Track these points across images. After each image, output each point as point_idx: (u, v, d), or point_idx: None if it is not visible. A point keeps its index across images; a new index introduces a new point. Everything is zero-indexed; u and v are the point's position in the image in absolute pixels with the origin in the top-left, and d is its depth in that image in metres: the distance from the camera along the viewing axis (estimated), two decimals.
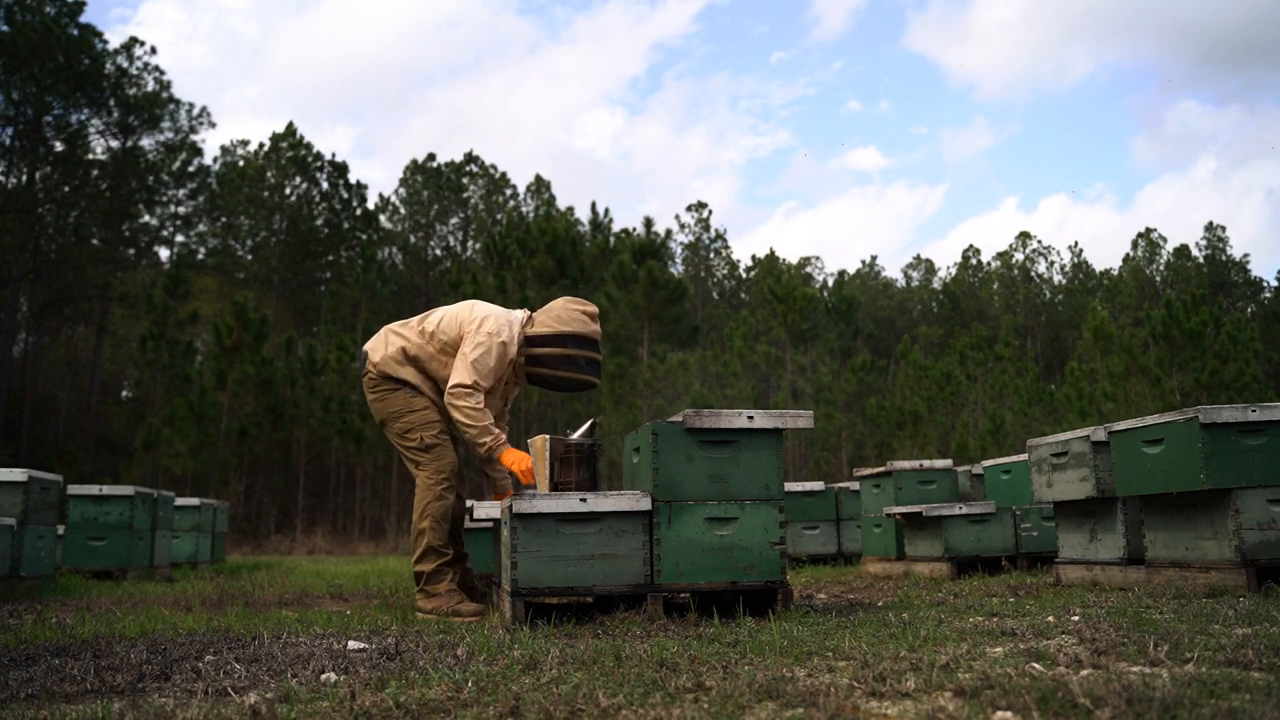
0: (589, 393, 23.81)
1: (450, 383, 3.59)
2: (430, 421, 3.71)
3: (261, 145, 35.70)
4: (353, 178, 44.43)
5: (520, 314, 3.81)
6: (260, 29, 76.40)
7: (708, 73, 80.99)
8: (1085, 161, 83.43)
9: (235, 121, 69.07)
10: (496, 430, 3.63)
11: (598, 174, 75.60)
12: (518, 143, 73.86)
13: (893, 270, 58.34)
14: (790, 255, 55.83)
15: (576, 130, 79.22)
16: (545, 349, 3.70)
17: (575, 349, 3.69)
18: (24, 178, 25.00)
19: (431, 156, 42.88)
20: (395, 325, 3.88)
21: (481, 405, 3.59)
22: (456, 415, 3.57)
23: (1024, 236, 51.91)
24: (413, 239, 41.81)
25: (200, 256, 35.19)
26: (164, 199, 30.35)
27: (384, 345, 3.82)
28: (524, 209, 42.01)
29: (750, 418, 3.17)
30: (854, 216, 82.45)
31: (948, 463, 5.76)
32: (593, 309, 3.81)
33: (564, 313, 3.74)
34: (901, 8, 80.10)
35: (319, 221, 35.08)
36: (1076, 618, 2.68)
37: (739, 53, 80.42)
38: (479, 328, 3.64)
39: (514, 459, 3.62)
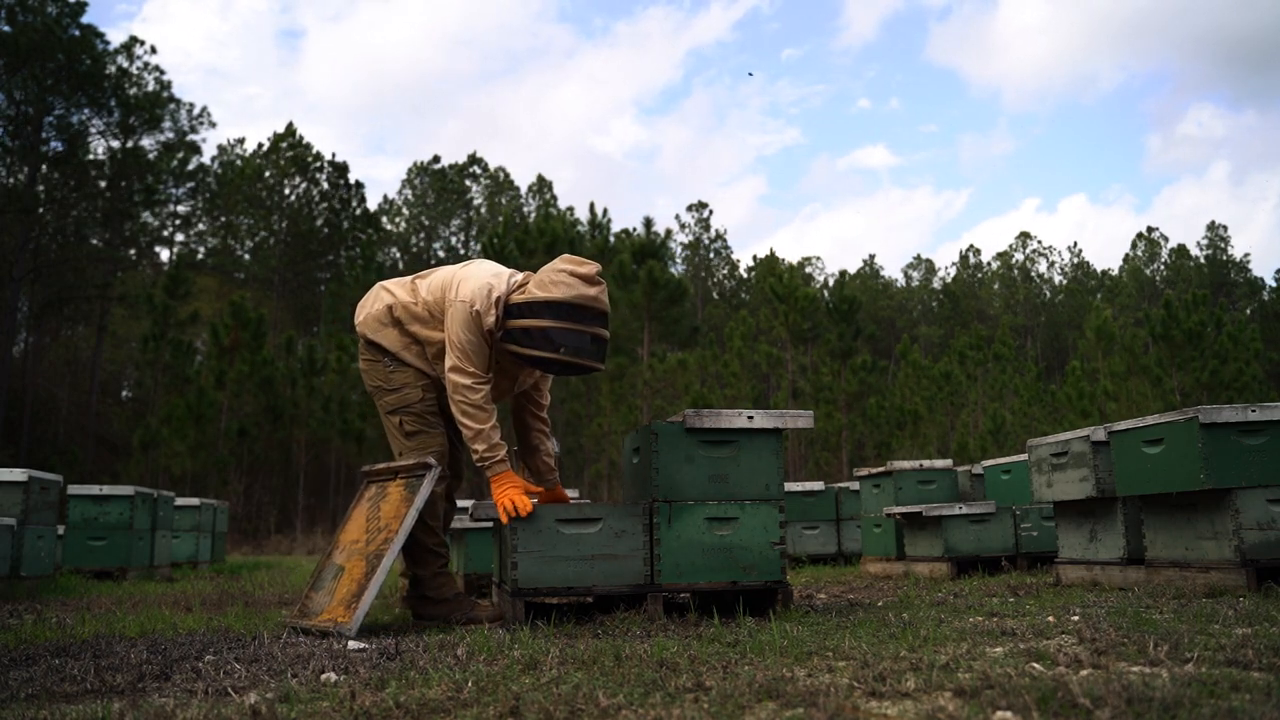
0: (583, 387, 23.80)
1: (445, 366, 3.10)
2: (410, 403, 3.23)
3: (260, 145, 35.75)
4: (354, 178, 44.46)
5: (517, 276, 3.17)
6: (294, 34, 76.89)
7: (739, 80, 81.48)
8: (1104, 165, 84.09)
9: (267, 125, 69.61)
10: (498, 440, 3.08)
11: (621, 178, 76.09)
12: (541, 147, 74.34)
13: (902, 271, 58.57)
14: (795, 257, 55.96)
15: (604, 135, 79.76)
16: (519, 321, 3.02)
17: (552, 321, 2.96)
18: (24, 178, 25.01)
19: (436, 159, 42.95)
20: (389, 281, 3.38)
21: (481, 400, 3.06)
22: (454, 411, 3.10)
23: (1024, 236, 51.93)
24: (415, 240, 41.85)
25: (200, 256, 35.24)
26: (164, 199, 30.35)
27: (371, 303, 3.34)
28: (525, 209, 42.05)
29: (750, 418, 3.17)
30: (875, 219, 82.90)
31: (948, 463, 5.76)
32: (590, 269, 3.03)
33: (547, 274, 3.04)
34: (924, 18, 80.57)
35: (319, 221, 35.10)
36: (1076, 618, 2.68)
37: (769, 60, 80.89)
38: (456, 294, 3.09)
39: (504, 490, 3.03)
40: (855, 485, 6.93)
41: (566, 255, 3.13)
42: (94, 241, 27.14)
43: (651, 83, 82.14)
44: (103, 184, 26.82)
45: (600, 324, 3.03)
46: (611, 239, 24.89)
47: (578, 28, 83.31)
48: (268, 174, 34.82)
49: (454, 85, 79.00)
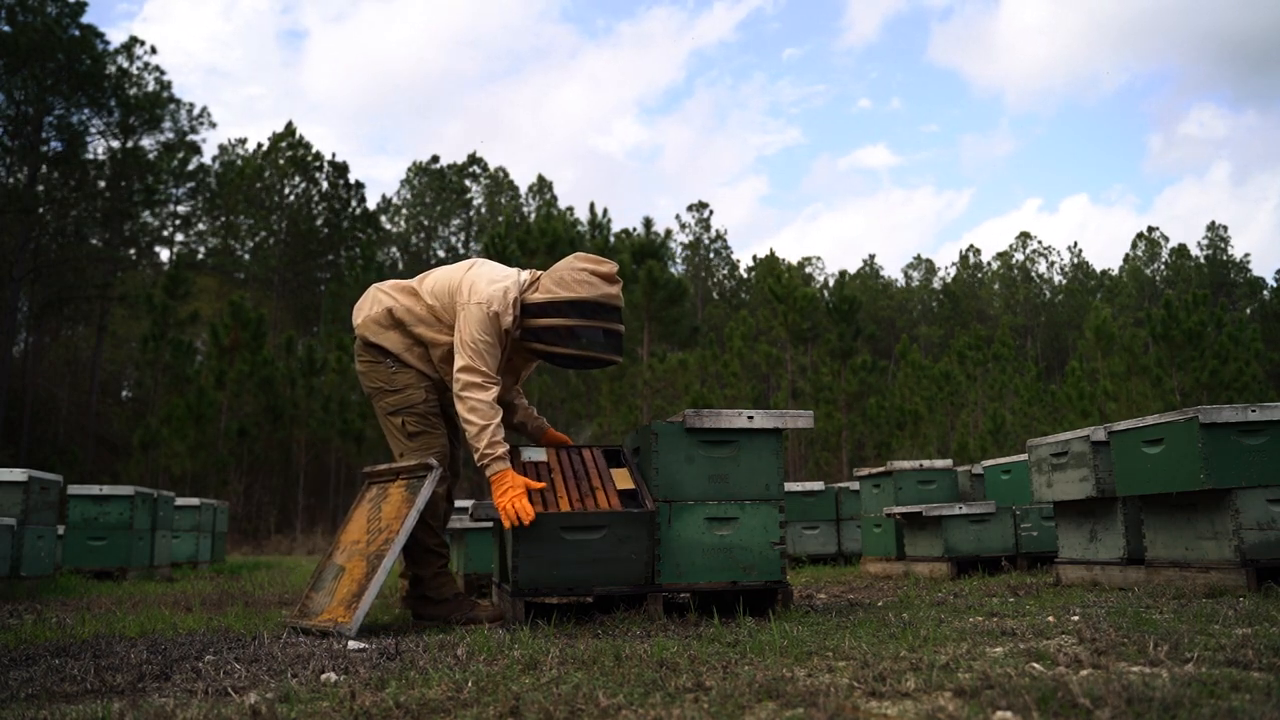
0: (583, 387, 23.81)
1: (455, 366, 3.11)
2: (413, 404, 3.26)
3: (260, 145, 35.75)
4: (354, 178, 44.43)
5: (525, 276, 3.22)
6: (297, 35, 77.05)
7: (741, 80, 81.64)
8: (1105, 165, 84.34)
9: (269, 125, 69.75)
10: (500, 439, 3.08)
11: (622, 178, 76.22)
12: (542, 147, 74.41)
13: (902, 271, 58.66)
14: (797, 257, 55.98)
15: (606, 135, 79.87)
16: (541, 320, 3.11)
17: (578, 319, 3.07)
18: (24, 178, 25.01)
19: (435, 159, 42.94)
20: (385, 284, 3.41)
21: (490, 398, 3.08)
22: (460, 408, 3.09)
23: (1024, 236, 51.94)
24: (415, 240, 41.85)
25: (200, 256, 35.24)
26: (164, 199, 30.36)
27: (369, 306, 3.36)
28: (525, 210, 42.06)
29: (750, 418, 3.17)
30: (876, 219, 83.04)
31: (948, 463, 5.76)
32: (608, 267, 3.14)
33: (568, 274, 3.12)
34: (926, 20, 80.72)
35: (319, 221, 35.11)
36: (1076, 618, 2.68)
37: (770, 60, 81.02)
38: (470, 297, 3.12)
39: (505, 493, 2.99)
40: (855, 485, 6.93)
41: (582, 254, 3.20)
42: (94, 241, 27.15)
43: (654, 83, 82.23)
44: (102, 184, 26.83)
45: (619, 319, 3.15)
46: (611, 239, 24.90)
47: (581, 28, 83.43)
48: (267, 174, 34.83)
49: (457, 86, 79.15)
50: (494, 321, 3.10)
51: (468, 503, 5.21)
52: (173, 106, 29.04)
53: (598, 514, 3.03)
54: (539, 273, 3.24)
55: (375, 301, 3.36)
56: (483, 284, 3.14)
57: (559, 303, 3.09)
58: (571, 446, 3.41)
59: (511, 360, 3.36)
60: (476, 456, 3.10)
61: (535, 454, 3.28)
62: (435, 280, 3.31)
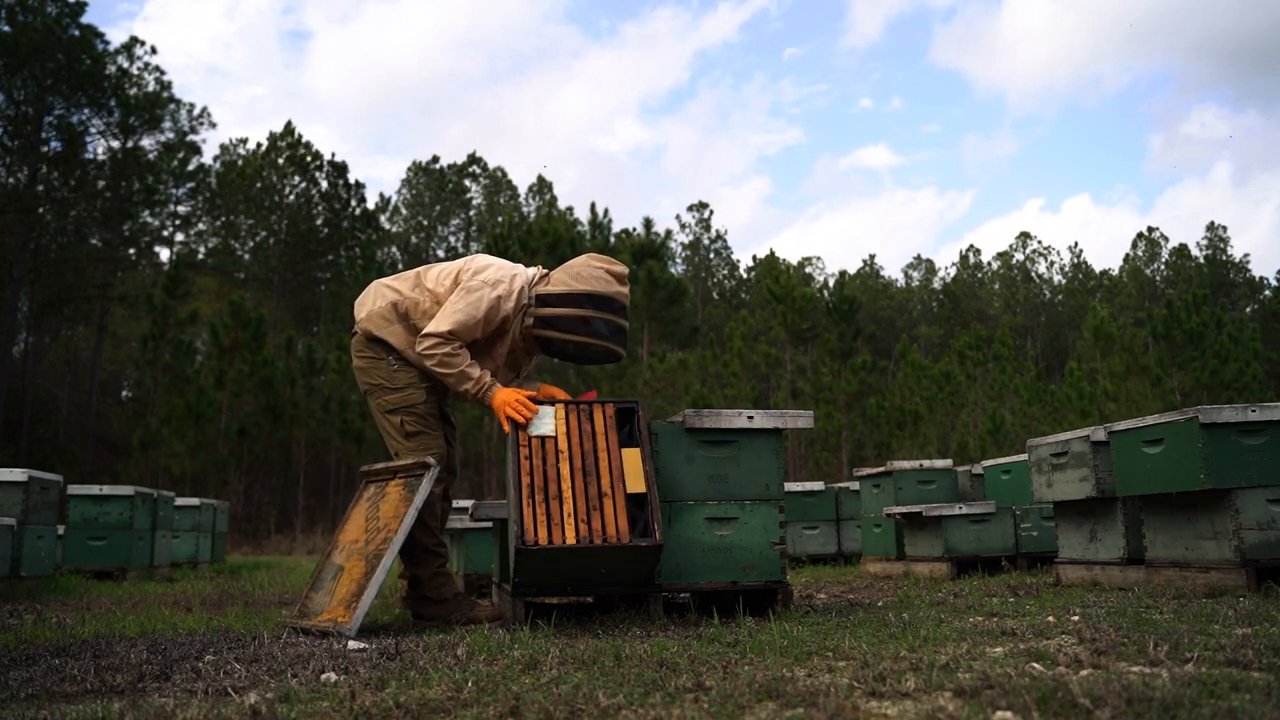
0: (582, 386, 23.81)
1: (430, 326, 3.15)
2: (414, 404, 3.28)
3: (260, 145, 35.74)
4: (354, 178, 44.41)
5: (532, 271, 3.32)
6: (300, 36, 77.12)
7: (743, 80, 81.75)
8: (1107, 166, 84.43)
9: (272, 126, 69.84)
10: (480, 372, 3.15)
11: (624, 179, 76.32)
12: (545, 147, 74.50)
13: (902, 271, 58.65)
14: (799, 257, 55.98)
15: (608, 135, 79.95)
16: (557, 309, 3.19)
17: (593, 311, 3.16)
18: (24, 178, 25.01)
19: (436, 159, 42.94)
20: (388, 278, 3.42)
21: (454, 349, 3.14)
22: (428, 365, 3.16)
23: (1024, 237, 51.95)
24: (414, 240, 41.85)
25: (200, 256, 35.25)
26: (164, 199, 30.36)
27: (372, 300, 3.36)
28: (525, 210, 42.07)
29: (750, 418, 3.17)
30: (878, 220, 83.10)
31: (948, 463, 5.76)
32: (620, 269, 3.26)
33: (584, 269, 3.23)
34: (928, 20, 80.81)
35: (319, 221, 35.11)
36: (1076, 618, 2.68)
37: (772, 60, 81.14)
38: (474, 275, 3.21)
39: (501, 404, 3.06)
40: (855, 485, 6.93)
41: (595, 254, 3.29)
42: (94, 241, 27.13)
43: (657, 83, 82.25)
44: (102, 184, 26.82)
45: (626, 317, 3.28)
46: (612, 239, 24.90)
47: (584, 29, 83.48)
48: (266, 174, 34.81)
49: (460, 86, 79.19)
50: (495, 305, 3.17)
51: (467, 503, 5.22)
52: (173, 106, 29.07)
53: (604, 548, 2.84)
54: (546, 270, 3.34)
55: (379, 296, 3.36)
56: (492, 270, 3.23)
57: (575, 294, 3.19)
58: (581, 406, 3.12)
59: (514, 354, 3.38)
60: (469, 397, 3.16)
61: (544, 427, 3.04)
62: (441, 269, 3.36)
